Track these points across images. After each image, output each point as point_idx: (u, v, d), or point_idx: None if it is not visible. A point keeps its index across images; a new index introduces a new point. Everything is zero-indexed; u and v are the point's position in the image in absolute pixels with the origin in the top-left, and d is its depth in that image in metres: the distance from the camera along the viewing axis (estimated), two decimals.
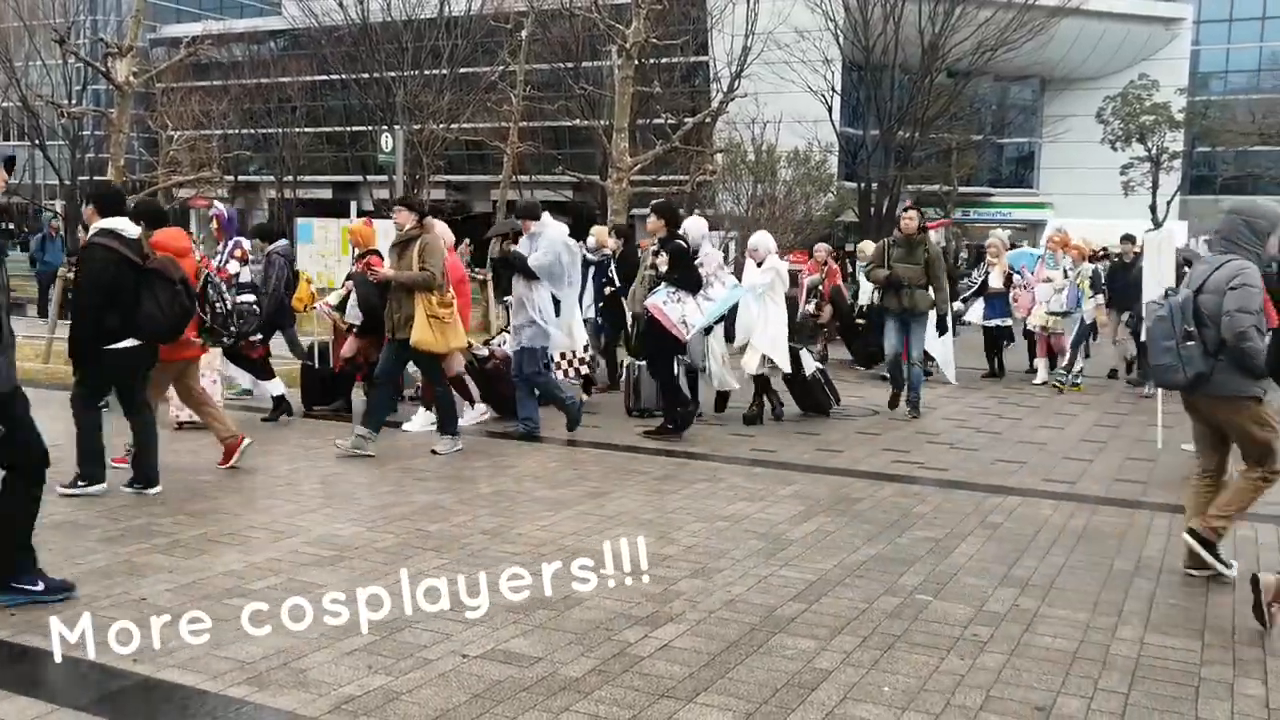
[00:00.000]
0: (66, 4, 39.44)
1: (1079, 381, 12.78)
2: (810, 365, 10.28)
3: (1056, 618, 4.79)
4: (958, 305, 13.59)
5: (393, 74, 35.32)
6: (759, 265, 9.80)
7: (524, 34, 23.75)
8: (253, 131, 43.17)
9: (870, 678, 4.08)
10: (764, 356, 9.59)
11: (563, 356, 9.88)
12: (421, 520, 6.18)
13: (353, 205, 35.24)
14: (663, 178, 27.19)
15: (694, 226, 9.64)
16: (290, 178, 43.82)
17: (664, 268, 8.90)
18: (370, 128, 35.79)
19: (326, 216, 23.55)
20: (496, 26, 30.30)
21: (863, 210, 29.54)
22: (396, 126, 25.49)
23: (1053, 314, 13.01)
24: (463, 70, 36.07)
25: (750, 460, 8.21)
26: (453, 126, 32.38)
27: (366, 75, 36.70)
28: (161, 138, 29.16)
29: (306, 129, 44.55)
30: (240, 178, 45.20)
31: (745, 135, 29.95)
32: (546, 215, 8.96)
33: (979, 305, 13.95)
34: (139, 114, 28.28)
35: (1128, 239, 13.78)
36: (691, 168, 26.89)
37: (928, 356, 11.53)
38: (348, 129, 42.49)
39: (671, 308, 8.85)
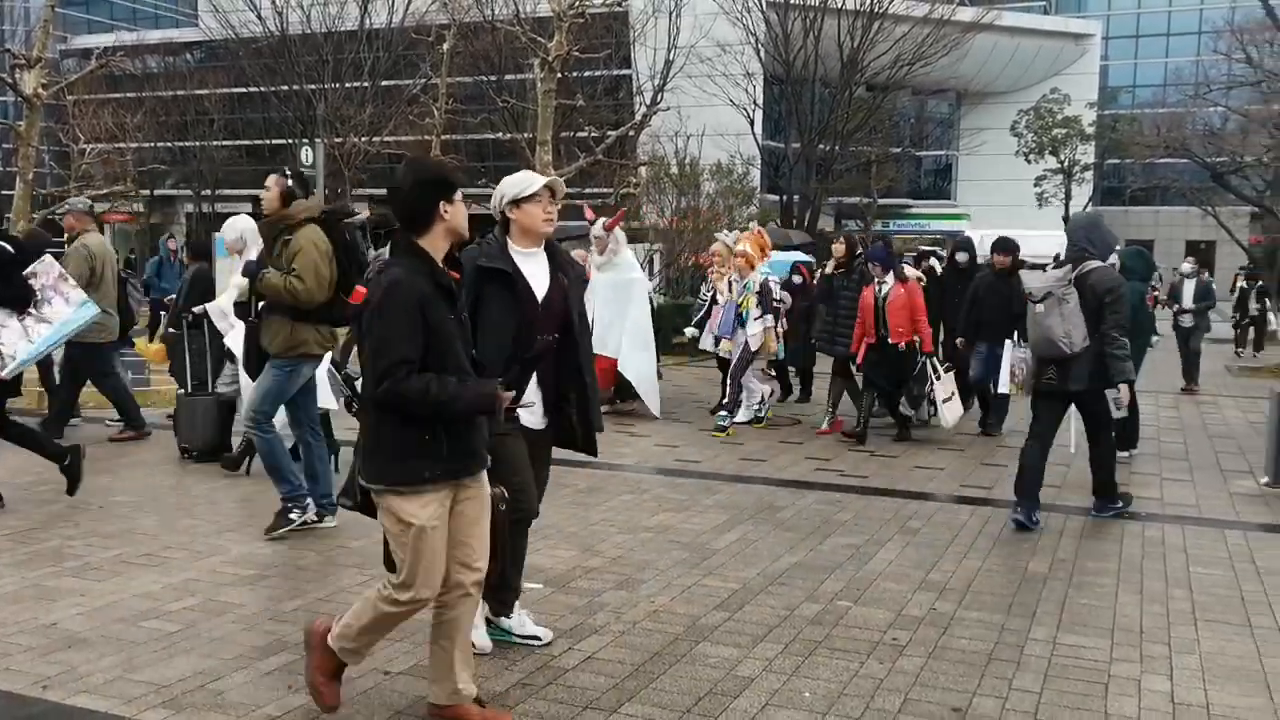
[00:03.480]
0: None
1: (762, 416, 10.51)
2: None
3: (973, 620, 4.90)
4: (690, 331, 11.72)
5: (313, 86, 34.94)
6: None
7: (446, 47, 23.67)
8: (169, 145, 42.31)
9: (791, 684, 4.13)
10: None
11: None
12: (344, 537, 6.12)
13: None
14: (587, 190, 27.25)
15: (244, 225, 7.19)
16: (208, 191, 43.05)
17: None
18: (290, 141, 35.33)
19: None
20: (418, 39, 30.15)
21: (785, 222, 29.85)
22: (317, 139, 25.16)
23: (720, 338, 10.53)
24: (384, 83, 35.81)
25: (675, 471, 8.25)
26: (374, 139, 32.10)
27: (286, 88, 36.23)
28: (73, 151, 28.48)
29: (225, 142, 43.81)
30: (156, 192, 44.26)
31: (668, 148, 30.12)
32: None
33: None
34: (49, 127, 27.59)
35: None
36: (616, 180, 26.99)
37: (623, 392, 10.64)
38: (267, 142, 41.81)
39: None
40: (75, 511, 6.59)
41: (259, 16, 35.33)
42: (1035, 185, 44.19)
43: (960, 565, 5.78)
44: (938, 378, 9.50)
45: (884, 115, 36.17)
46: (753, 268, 10.35)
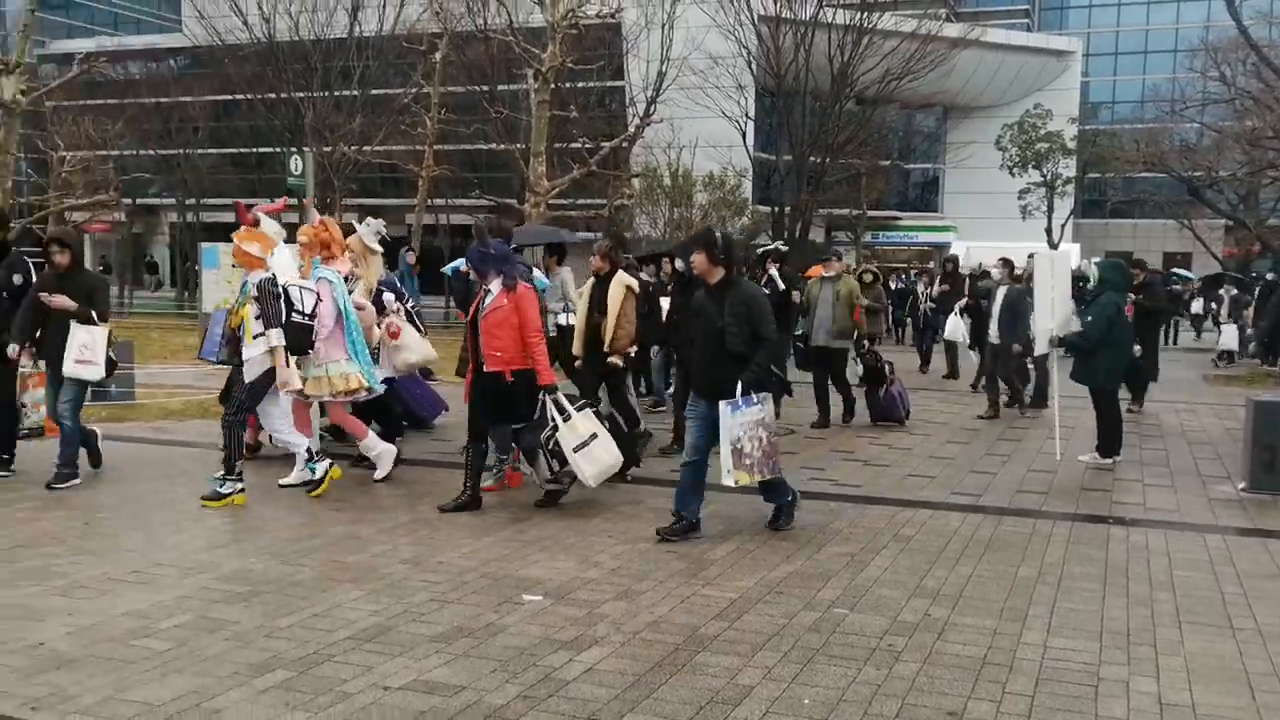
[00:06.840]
0: None
1: (320, 478, 7.51)
2: None
3: (966, 625, 4.92)
4: None
5: (301, 94, 34.80)
6: None
7: (438, 56, 23.65)
8: (152, 153, 42.05)
9: (791, 691, 4.14)
10: None
11: None
12: (338, 551, 6.09)
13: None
14: (580, 201, 27.33)
15: None
16: (193, 201, 42.82)
17: None
18: (278, 149, 35.24)
19: None
20: (409, 48, 30.06)
21: (776, 233, 29.95)
22: (305, 149, 25.10)
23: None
24: (375, 92, 35.70)
25: (670, 482, 8.21)
26: (364, 149, 32.01)
27: (273, 95, 36.09)
28: (52, 159, 28.27)
29: (210, 150, 43.61)
30: (139, 200, 44.00)
31: (661, 159, 30.22)
32: None
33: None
34: (27, 134, 27.40)
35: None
36: (609, 191, 27.03)
37: None
38: (254, 150, 41.63)
39: None
40: (60, 529, 6.53)
41: (245, 24, 35.18)
42: (1019, 198, 44.39)
43: (953, 571, 5.81)
44: (565, 418, 6.92)
45: (873, 128, 36.39)
46: (253, 266, 7.25)
